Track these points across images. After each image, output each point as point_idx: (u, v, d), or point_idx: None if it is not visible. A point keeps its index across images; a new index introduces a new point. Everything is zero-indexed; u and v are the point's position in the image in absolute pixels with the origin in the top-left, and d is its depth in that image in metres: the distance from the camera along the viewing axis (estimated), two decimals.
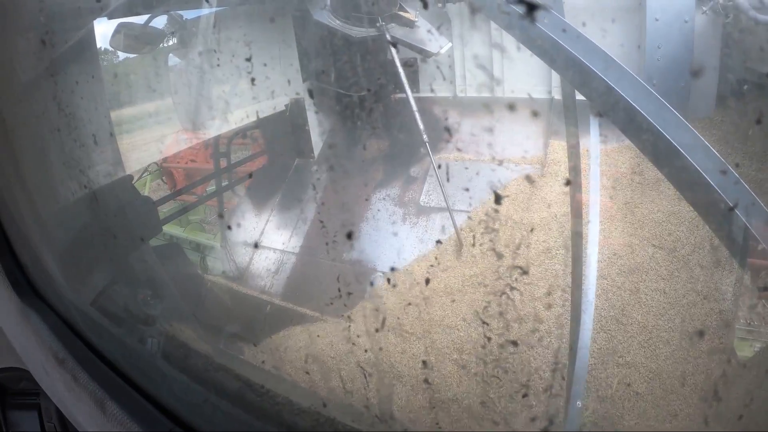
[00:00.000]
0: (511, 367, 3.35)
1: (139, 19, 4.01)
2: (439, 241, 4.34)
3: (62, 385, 1.87)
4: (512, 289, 3.45)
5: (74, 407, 1.85)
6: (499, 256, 3.54)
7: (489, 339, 3.54)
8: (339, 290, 2.60)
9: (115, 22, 3.77)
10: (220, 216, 5.31)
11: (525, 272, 3.60)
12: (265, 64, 4.37)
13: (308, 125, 5.18)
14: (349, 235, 4.01)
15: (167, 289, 3.19)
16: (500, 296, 3.54)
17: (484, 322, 3.56)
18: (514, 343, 3.40)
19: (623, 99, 2.01)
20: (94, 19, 3.09)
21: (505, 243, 3.83)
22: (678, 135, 2.02)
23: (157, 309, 2.56)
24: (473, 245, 3.86)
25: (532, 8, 2.07)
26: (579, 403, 3.12)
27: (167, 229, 5.27)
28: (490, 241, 3.37)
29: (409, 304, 3.82)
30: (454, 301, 3.94)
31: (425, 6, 4.32)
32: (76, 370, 1.80)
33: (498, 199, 2.61)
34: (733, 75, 3.76)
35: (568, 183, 4.04)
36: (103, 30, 3.63)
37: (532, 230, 3.98)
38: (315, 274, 4.37)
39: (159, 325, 2.15)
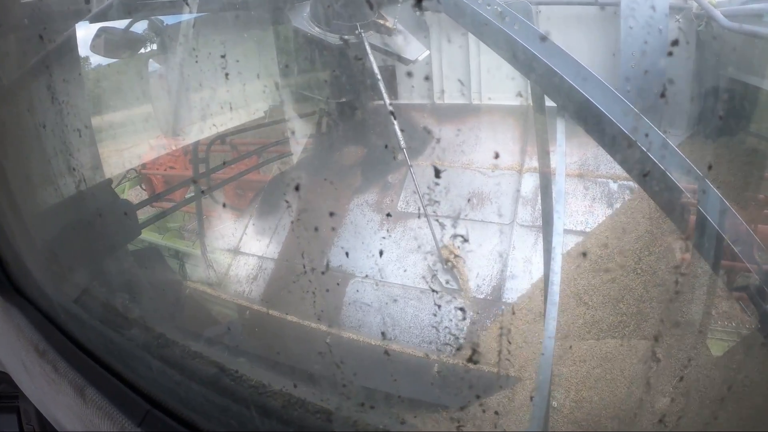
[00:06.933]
0: (461, 335, 3.45)
1: (120, 24, 4.03)
2: (389, 214, 4.44)
3: (42, 379, 1.90)
4: (456, 257, 3.55)
5: (53, 402, 1.89)
6: (441, 226, 3.65)
7: (439, 307, 3.62)
8: (304, 267, 2.66)
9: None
10: (200, 222, 5.32)
11: (466, 240, 3.71)
12: (255, 74, 4.41)
13: (287, 132, 5.22)
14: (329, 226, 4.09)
15: (146, 290, 3.21)
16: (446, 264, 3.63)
17: (433, 290, 3.64)
18: (462, 310, 3.49)
19: (585, 99, 2.10)
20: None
21: (446, 213, 3.96)
22: (644, 136, 2.11)
23: (136, 310, 2.60)
24: (419, 218, 3.97)
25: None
26: (555, 403, 3.19)
27: (146, 236, 5.27)
28: (434, 212, 3.48)
29: (366, 276, 3.90)
30: (405, 270, 4.05)
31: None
32: (57, 360, 1.84)
33: (438, 173, 2.68)
34: (705, 81, 3.87)
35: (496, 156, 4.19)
36: (86, 35, 3.66)
37: (468, 201, 4.12)
38: (293, 276, 4.41)
39: (139, 322, 2.19)
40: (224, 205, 5.42)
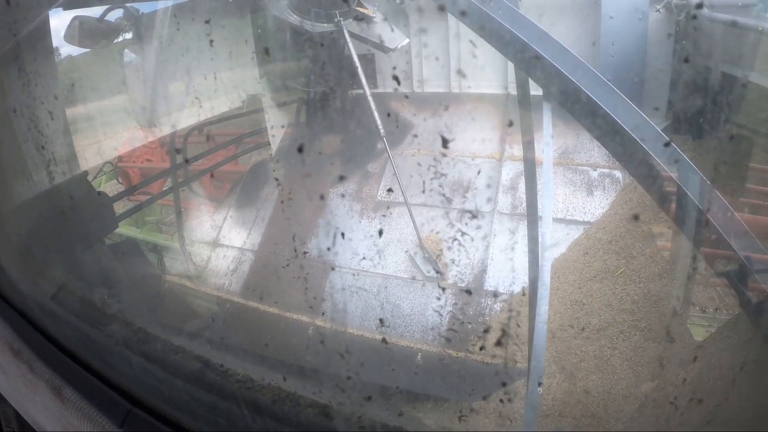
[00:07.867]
0: (466, 318, 3.41)
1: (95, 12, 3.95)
2: (390, 190, 4.41)
3: (18, 379, 1.84)
4: (463, 234, 3.52)
5: (31, 402, 1.83)
6: (449, 200, 3.61)
7: (444, 290, 3.58)
8: (295, 250, 2.63)
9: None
10: (178, 215, 5.25)
11: (474, 216, 3.69)
12: (233, 62, 4.34)
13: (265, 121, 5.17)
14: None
15: (126, 285, 3.16)
16: (452, 242, 3.60)
17: (438, 272, 3.60)
18: (468, 292, 3.46)
19: (573, 83, 2.07)
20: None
21: (453, 187, 3.92)
22: (629, 120, 2.09)
23: (115, 305, 2.54)
24: (423, 192, 3.93)
25: None
26: (540, 390, 3.18)
27: (124, 230, 5.19)
28: (440, 186, 3.43)
29: (364, 258, 3.86)
30: (389, 260, 4.01)
31: None
32: (32, 359, 1.78)
33: (445, 142, 2.66)
34: (685, 71, 3.88)
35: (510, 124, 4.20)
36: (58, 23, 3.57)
37: (479, 172, 4.09)
38: (275, 268, 4.36)
39: (118, 317, 2.13)
40: (196, 192, 5.35)
